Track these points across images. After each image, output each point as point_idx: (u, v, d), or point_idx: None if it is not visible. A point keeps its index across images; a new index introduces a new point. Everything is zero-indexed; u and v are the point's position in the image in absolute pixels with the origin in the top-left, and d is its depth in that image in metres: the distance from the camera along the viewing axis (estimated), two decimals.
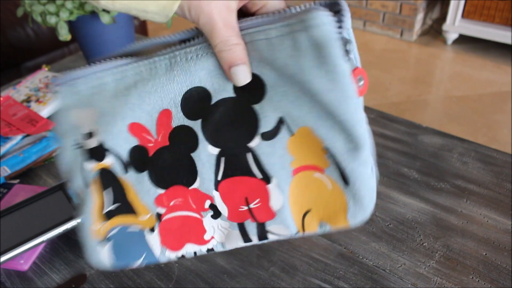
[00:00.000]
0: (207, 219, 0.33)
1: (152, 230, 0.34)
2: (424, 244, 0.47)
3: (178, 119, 0.31)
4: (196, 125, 0.31)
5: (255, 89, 0.29)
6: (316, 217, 0.32)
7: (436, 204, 0.51)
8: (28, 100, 0.74)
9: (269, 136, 0.30)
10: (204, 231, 0.34)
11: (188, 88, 0.30)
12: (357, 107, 0.27)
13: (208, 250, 0.35)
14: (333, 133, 0.28)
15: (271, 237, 0.33)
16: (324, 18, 0.26)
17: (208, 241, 0.34)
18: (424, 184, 0.54)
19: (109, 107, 0.31)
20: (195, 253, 0.35)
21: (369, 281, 0.43)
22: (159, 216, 0.33)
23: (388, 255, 0.45)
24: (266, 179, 0.31)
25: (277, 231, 0.32)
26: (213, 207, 0.33)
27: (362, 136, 0.28)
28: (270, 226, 0.32)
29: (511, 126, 1.70)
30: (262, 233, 0.33)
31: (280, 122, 0.30)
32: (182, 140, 0.31)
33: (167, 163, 0.32)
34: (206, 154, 0.31)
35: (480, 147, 0.59)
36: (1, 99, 0.73)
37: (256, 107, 0.30)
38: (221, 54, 0.28)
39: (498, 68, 2.09)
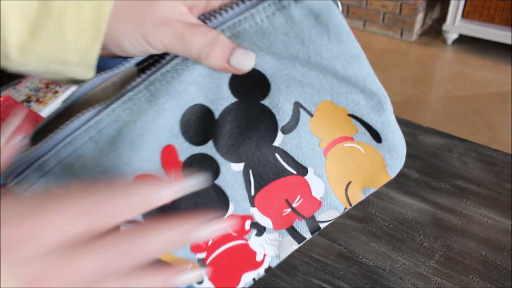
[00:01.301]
0: (252, 240, 0.30)
1: (200, 282, 0.30)
2: (424, 244, 0.47)
3: (185, 150, 0.26)
4: (209, 148, 0.27)
5: (257, 84, 0.26)
6: (358, 186, 0.30)
7: (436, 204, 0.51)
8: (28, 100, 0.74)
9: (290, 127, 0.27)
10: (254, 253, 0.30)
11: (183, 112, 0.26)
12: (366, 62, 0.26)
13: (266, 270, 0.32)
14: (352, 97, 0.27)
15: (323, 226, 0.31)
16: None
17: (262, 262, 0.31)
18: (424, 184, 0.54)
19: (98, 172, 0.25)
20: (254, 279, 0.32)
21: (369, 281, 0.43)
22: (202, 262, 0.29)
23: (388, 255, 0.45)
24: (302, 172, 0.28)
25: (327, 217, 0.31)
26: (255, 225, 0.30)
27: (379, 88, 0.27)
28: (319, 216, 0.30)
29: (511, 126, 1.70)
30: (314, 226, 0.31)
31: (296, 107, 0.27)
32: (199, 172, 0.27)
33: (191, 203, 0.27)
34: (231, 175, 0.27)
35: (480, 147, 0.59)
36: (1, 99, 0.73)
37: (265, 102, 0.27)
38: (209, 57, 0.25)
39: (498, 68, 2.09)
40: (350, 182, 0.30)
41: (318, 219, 0.31)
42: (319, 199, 0.30)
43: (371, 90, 0.27)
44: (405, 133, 0.62)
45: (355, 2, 2.46)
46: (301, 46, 0.25)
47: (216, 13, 0.26)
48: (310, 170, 0.29)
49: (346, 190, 0.30)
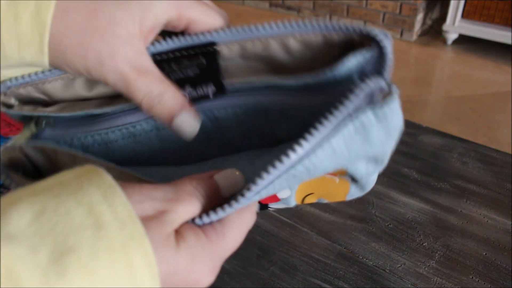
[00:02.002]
0: None
1: None
2: (424, 244, 0.47)
3: None
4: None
5: None
6: (316, 196, 0.32)
7: (436, 204, 0.51)
8: None
9: None
10: None
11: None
12: (396, 135, 0.24)
13: None
14: (360, 165, 0.26)
15: (270, 209, 0.33)
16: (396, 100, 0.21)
17: None
18: (424, 184, 0.54)
19: None
20: None
21: (369, 281, 0.43)
22: None
23: (388, 255, 0.45)
24: None
25: (278, 207, 0.32)
26: None
27: (386, 158, 0.26)
28: (272, 206, 0.32)
29: (511, 126, 1.70)
30: (263, 207, 0.33)
31: None
32: None
33: None
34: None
35: (480, 147, 0.59)
36: None
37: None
38: (152, 111, 0.23)
39: (498, 68, 2.09)
40: (312, 193, 0.31)
41: (269, 205, 0.32)
42: (280, 198, 0.31)
43: (383, 160, 0.26)
44: (405, 133, 0.62)
45: (355, 2, 2.46)
46: (364, 148, 0.23)
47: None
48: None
49: (305, 197, 0.32)
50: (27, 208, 0.16)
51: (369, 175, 0.28)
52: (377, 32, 0.22)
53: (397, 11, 2.35)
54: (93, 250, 0.16)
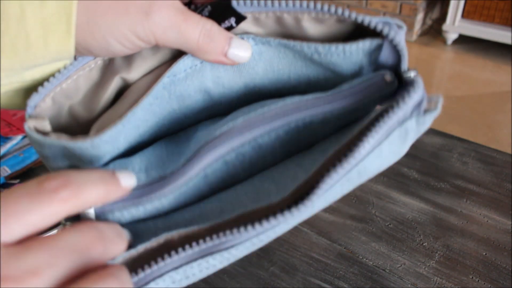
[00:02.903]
0: None
1: None
2: (424, 244, 0.47)
3: None
4: None
5: None
6: None
7: (436, 204, 0.51)
8: None
9: None
10: None
11: None
12: None
13: None
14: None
15: None
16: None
17: None
18: (424, 184, 0.54)
19: None
20: None
21: (369, 281, 0.43)
22: None
23: (388, 255, 0.45)
24: None
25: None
26: None
27: None
28: None
29: (511, 126, 1.70)
30: None
31: None
32: None
33: None
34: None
35: (480, 147, 0.59)
36: None
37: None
38: (207, 50, 0.23)
39: (498, 68, 2.09)
40: None
41: None
42: None
43: None
44: None
45: (355, 2, 2.46)
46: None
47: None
48: None
49: None
50: None
51: None
52: (380, 24, 0.23)
53: (397, 11, 2.35)
54: None
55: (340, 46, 0.24)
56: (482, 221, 0.49)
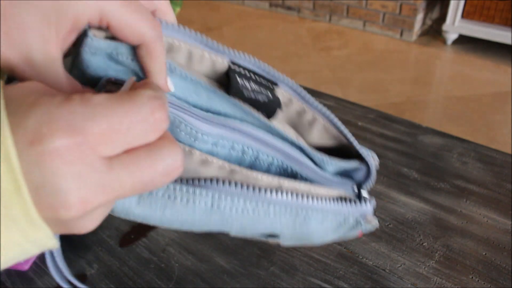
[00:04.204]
0: None
1: None
2: (424, 244, 0.47)
3: None
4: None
5: None
6: None
7: (436, 204, 0.51)
8: None
9: None
10: None
11: None
12: None
13: None
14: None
15: None
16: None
17: None
18: (424, 184, 0.54)
19: None
20: None
21: (369, 281, 0.43)
22: None
23: (388, 255, 0.45)
24: None
25: None
26: None
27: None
28: None
29: (511, 126, 1.70)
30: None
31: None
32: None
33: None
34: None
35: (480, 147, 0.59)
36: None
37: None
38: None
39: (498, 68, 2.09)
40: None
41: None
42: None
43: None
44: (405, 133, 0.62)
45: (355, 2, 2.46)
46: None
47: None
48: None
49: None
50: None
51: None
52: (365, 153, 0.30)
53: (397, 11, 2.35)
54: None
55: (335, 162, 0.30)
56: (482, 221, 0.49)
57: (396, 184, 0.54)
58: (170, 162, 0.18)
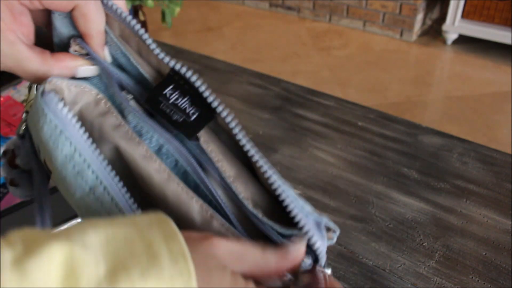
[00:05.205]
0: None
1: None
2: (424, 244, 0.47)
3: None
4: None
5: None
6: None
7: (436, 204, 0.51)
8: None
9: None
10: None
11: None
12: None
13: None
14: None
15: None
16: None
17: None
18: (424, 184, 0.54)
19: None
20: None
21: (369, 281, 0.43)
22: None
23: (388, 255, 0.45)
24: None
25: None
26: None
27: None
28: None
29: (511, 126, 1.70)
30: None
31: None
32: None
33: None
34: None
35: (480, 147, 0.59)
36: (2, 99, 0.73)
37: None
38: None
39: (498, 68, 2.09)
40: None
41: None
42: None
43: None
44: (405, 133, 0.62)
45: (355, 2, 2.46)
46: None
47: None
48: None
49: None
50: (103, 231, 0.19)
51: None
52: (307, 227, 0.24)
53: (397, 11, 2.35)
54: (144, 273, 0.18)
55: (270, 226, 0.25)
56: (482, 221, 0.49)
57: (396, 184, 0.54)
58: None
